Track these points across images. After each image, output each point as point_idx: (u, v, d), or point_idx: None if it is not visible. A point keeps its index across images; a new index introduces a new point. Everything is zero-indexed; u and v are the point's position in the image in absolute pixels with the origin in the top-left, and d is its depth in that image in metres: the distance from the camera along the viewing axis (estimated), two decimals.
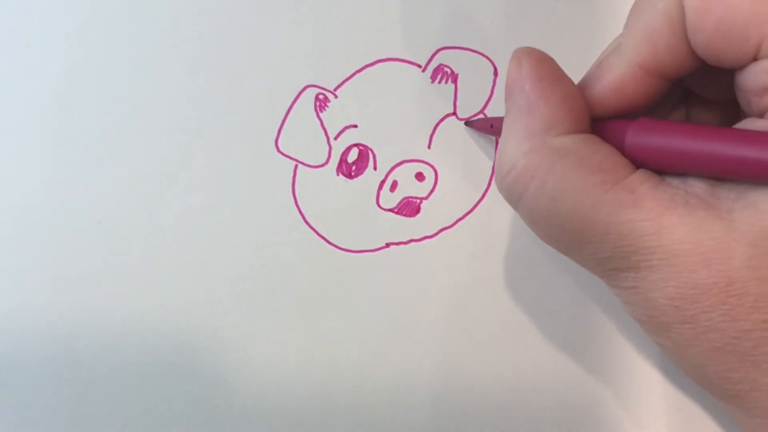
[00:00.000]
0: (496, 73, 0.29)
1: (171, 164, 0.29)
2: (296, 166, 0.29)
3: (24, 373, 0.28)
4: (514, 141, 0.23)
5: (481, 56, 0.29)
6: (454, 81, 0.29)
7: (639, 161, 0.22)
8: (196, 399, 0.28)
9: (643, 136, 0.22)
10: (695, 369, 0.22)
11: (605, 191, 0.21)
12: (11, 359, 0.28)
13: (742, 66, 0.21)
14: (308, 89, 0.29)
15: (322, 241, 0.29)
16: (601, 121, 0.23)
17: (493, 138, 0.29)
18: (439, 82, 0.29)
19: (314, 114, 0.29)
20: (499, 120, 0.25)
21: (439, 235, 0.29)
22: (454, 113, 0.29)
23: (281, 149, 0.29)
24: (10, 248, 0.29)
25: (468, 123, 0.29)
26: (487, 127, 0.28)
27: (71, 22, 0.29)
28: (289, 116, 0.29)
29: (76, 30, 0.29)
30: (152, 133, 0.29)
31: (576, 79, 0.24)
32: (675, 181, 0.21)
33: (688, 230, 0.20)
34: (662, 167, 0.22)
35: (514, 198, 0.23)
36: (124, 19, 0.29)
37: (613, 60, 0.23)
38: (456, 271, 0.28)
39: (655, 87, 0.23)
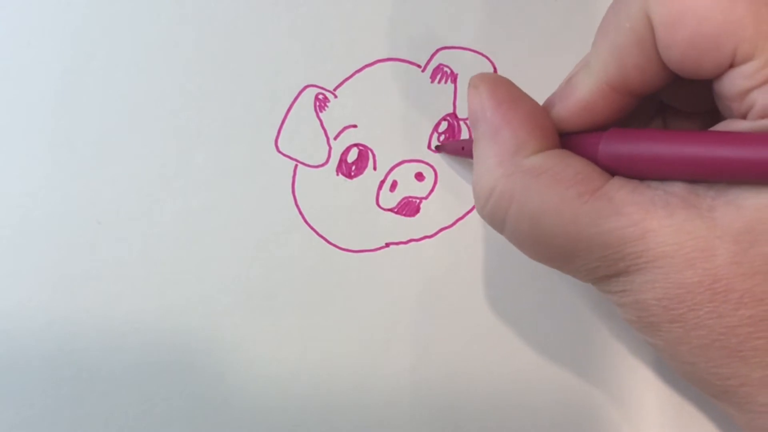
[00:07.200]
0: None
1: (171, 164, 0.29)
2: (296, 166, 0.29)
3: (24, 373, 0.28)
4: (487, 168, 0.23)
5: (480, 56, 0.29)
6: (454, 81, 0.29)
7: (613, 171, 0.22)
8: (195, 399, 0.28)
9: (616, 145, 0.22)
10: (687, 367, 0.22)
11: (583, 203, 0.21)
12: (11, 359, 0.28)
13: (718, 75, 0.20)
14: (308, 89, 0.29)
15: (322, 241, 0.29)
16: (571, 134, 0.23)
17: None
18: (439, 82, 0.29)
19: (314, 114, 0.29)
20: (469, 142, 0.25)
21: (439, 234, 0.29)
22: (454, 113, 0.29)
23: (281, 149, 0.29)
24: (10, 248, 0.29)
25: (439, 148, 0.29)
26: (459, 150, 0.28)
27: (71, 22, 0.29)
28: (288, 116, 0.29)
29: (76, 30, 0.29)
30: (152, 132, 0.29)
31: None
32: (653, 183, 0.21)
33: (670, 232, 0.20)
34: (638, 175, 0.22)
35: (497, 224, 0.23)
36: (123, 19, 0.29)
37: (581, 78, 0.23)
38: (456, 271, 0.28)
39: (625, 103, 0.22)
